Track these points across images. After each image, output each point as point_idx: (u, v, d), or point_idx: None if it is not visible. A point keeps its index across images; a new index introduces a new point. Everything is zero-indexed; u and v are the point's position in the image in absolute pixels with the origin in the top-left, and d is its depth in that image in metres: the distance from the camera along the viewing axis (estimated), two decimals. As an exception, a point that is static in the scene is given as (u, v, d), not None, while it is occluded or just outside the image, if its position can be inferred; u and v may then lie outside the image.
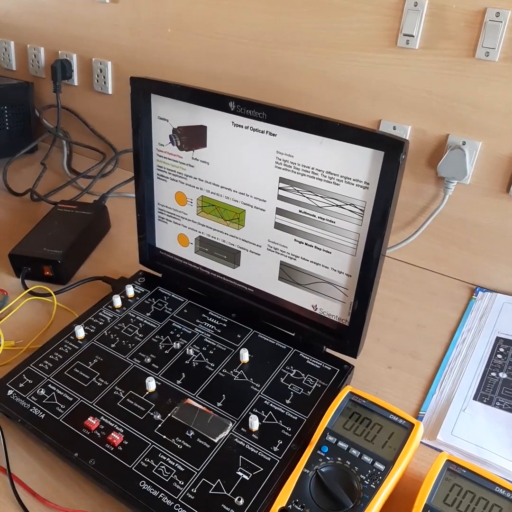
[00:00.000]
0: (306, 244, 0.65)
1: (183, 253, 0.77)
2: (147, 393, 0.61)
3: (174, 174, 0.72)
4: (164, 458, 0.54)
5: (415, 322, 0.78)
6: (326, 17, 0.84)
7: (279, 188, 0.64)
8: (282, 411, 0.60)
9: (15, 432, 0.59)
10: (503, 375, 0.68)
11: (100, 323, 0.71)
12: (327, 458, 0.53)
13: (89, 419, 0.58)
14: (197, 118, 0.66)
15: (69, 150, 1.22)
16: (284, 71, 0.91)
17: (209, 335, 0.69)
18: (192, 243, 0.75)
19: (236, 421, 0.58)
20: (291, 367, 0.65)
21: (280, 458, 0.55)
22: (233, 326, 0.71)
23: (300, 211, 0.63)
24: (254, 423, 0.57)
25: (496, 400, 0.65)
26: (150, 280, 0.79)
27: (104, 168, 1.15)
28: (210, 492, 0.52)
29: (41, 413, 0.58)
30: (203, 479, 0.53)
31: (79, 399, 0.60)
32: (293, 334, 0.70)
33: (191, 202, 0.72)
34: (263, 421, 0.58)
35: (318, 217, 0.62)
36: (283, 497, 0.50)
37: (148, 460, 0.54)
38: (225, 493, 0.52)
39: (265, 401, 0.61)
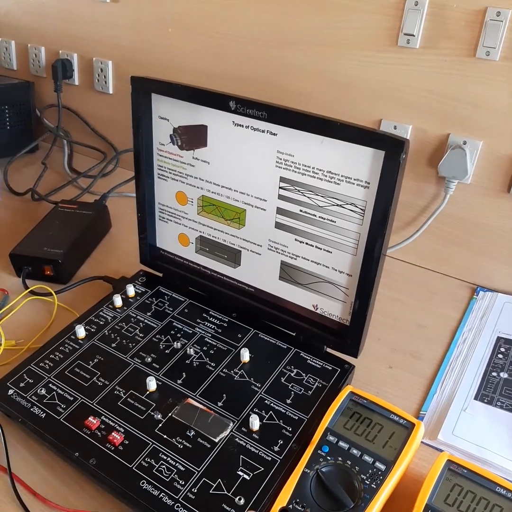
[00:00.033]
0: (306, 243, 0.64)
1: (184, 253, 0.77)
2: (147, 392, 0.61)
3: (175, 174, 0.72)
4: (165, 457, 0.54)
5: (416, 321, 0.78)
6: (326, 17, 0.84)
7: (280, 187, 0.64)
8: (283, 410, 0.60)
9: (16, 432, 0.59)
10: (504, 375, 0.68)
11: (101, 322, 0.71)
12: (328, 458, 0.53)
13: (89, 418, 0.58)
14: (197, 118, 0.66)
15: (70, 149, 1.22)
16: (285, 71, 0.91)
17: (210, 335, 0.69)
18: (192, 243, 0.75)
19: (236, 421, 0.58)
20: (292, 366, 0.65)
21: (281, 458, 0.55)
22: (233, 326, 0.71)
23: (300, 210, 0.63)
24: (255, 423, 0.57)
25: (497, 400, 0.65)
26: (151, 280, 0.79)
27: (105, 167, 1.15)
28: (210, 492, 0.52)
29: (41, 412, 0.58)
30: (204, 478, 0.53)
31: (79, 398, 0.60)
32: (294, 334, 0.70)
33: (192, 202, 0.72)
34: (264, 421, 0.58)
35: (319, 217, 0.62)
36: (283, 497, 0.50)
37: (148, 460, 0.54)
38: (226, 493, 0.52)
39: (266, 401, 0.61)
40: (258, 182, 0.65)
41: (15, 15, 1.22)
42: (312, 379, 0.64)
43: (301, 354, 0.67)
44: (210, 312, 0.73)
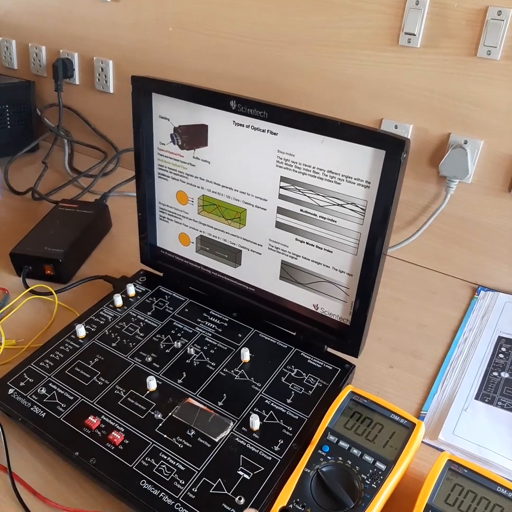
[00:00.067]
0: (307, 243, 0.64)
1: (184, 252, 0.77)
2: (148, 392, 0.61)
3: (175, 173, 0.72)
4: (165, 457, 0.54)
5: (417, 321, 0.78)
6: (327, 16, 0.84)
7: (280, 187, 0.63)
8: (283, 410, 0.60)
9: (16, 431, 0.59)
10: (505, 374, 0.68)
11: (101, 322, 0.71)
12: (328, 457, 0.53)
13: (89, 418, 0.57)
14: (198, 117, 0.66)
15: (70, 149, 1.22)
16: (285, 71, 0.91)
17: (210, 334, 0.69)
18: (193, 242, 0.75)
19: (237, 421, 0.58)
20: (292, 366, 0.65)
21: (281, 457, 0.55)
22: (234, 325, 0.71)
23: (301, 210, 0.63)
24: (255, 422, 0.57)
25: (498, 400, 0.65)
26: (151, 279, 0.79)
27: (105, 167, 1.15)
28: (210, 491, 0.52)
29: (41, 412, 0.58)
30: (204, 478, 0.53)
31: (80, 398, 0.60)
32: (294, 334, 0.70)
33: (192, 201, 0.72)
34: (264, 421, 0.58)
35: (319, 216, 0.62)
36: (284, 497, 0.50)
37: (148, 459, 0.54)
38: (226, 492, 0.52)
39: (266, 401, 0.61)
40: (258, 182, 0.65)
41: (15, 15, 1.22)
42: (312, 379, 0.64)
43: (302, 353, 0.67)
44: (211, 312, 0.73)
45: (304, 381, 0.63)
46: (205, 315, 0.73)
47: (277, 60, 0.91)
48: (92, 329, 0.69)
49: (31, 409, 0.59)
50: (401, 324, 0.78)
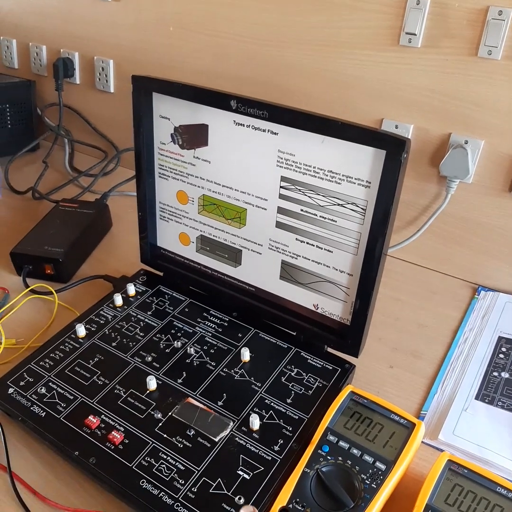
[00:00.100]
0: (307, 243, 0.64)
1: (185, 252, 0.77)
2: (148, 392, 0.61)
3: (176, 173, 0.72)
4: (165, 457, 0.54)
5: (417, 321, 0.78)
6: (327, 16, 0.84)
7: (281, 187, 0.63)
8: (283, 410, 0.60)
9: (16, 431, 0.59)
10: (505, 374, 0.68)
11: (101, 321, 0.71)
12: (328, 457, 0.53)
13: (89, 417, 0.57)
14: (198, 117, 0.66)
15: (71, 148, 1.22)
16: (285, 70, 0.91)
17: (210, 334, 0.69)
18: (193, 242, 0.75)
19: (236, 420, 0.58)
20: (292, 366, 0.65)
21: (281, 457, 0.55)
22: (234, 325, 0.71)
23: (301, 210, 0.63)
24: (255, 422, 0.57)
25: (498, 400, 0.65)
26: (151, 279, 0.79)
27: (106, 166, 1.15)
28: (210, 491, 0.52)
29: (41, 411, 0.58)
30: (204, 478, 0.53)
31: (79, 397, 0.60)
32: (294, 333, 0.70)
33: (193, 201, 0.72)
34: (264, 420, 0.58)
35: (320, 216, 0.62)
36: (283, 497, 0.50)
37: (148, 459, 0.54)
38: (226, 492, 0.52)
39: (266, 400, 0.61)
40: (259, 182, 0.65)
41: (16, 14, 1.22)
42: (312, 379, 0.64)
43: (302, 353, 0.67)
44: (211, 312, 0.73)
45: (304, 381, 0.63)
46: (205, 314, 0.73)
47: (277, 60, 0.91)
48: (92, 329, 0.69)
49: (31, 408, 0.59)
50: (401, 324, 0.78)
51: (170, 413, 0.59)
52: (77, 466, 0.55)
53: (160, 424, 0.58)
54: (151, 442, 0.56)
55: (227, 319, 0.72)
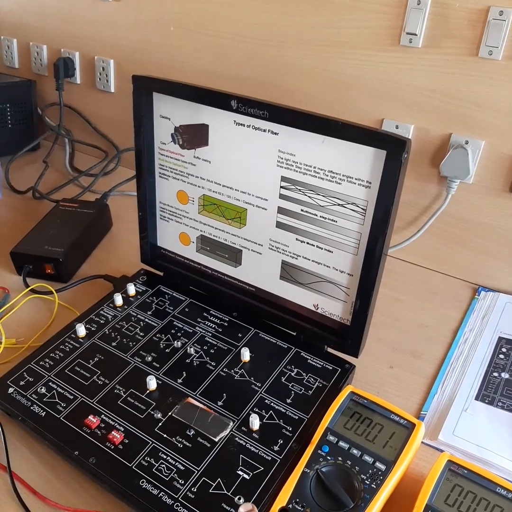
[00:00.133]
0: (307, 243, 0.64)
1: (185, 252, 0.77)
2: (147, 391, 0.61)
3: (176, 173, 0.72)
4: (165, 457, 0.54)
5: (417, 321, 0.78)
6: (327, 16, 0.84)
7: (281, 187, 0.63)
8: (283, 410, 0.60)
9: (16, 430, 0.59)
10: (505, 375, 0.68)
11: (101, 321, 0.71)
12: (328, 457, 0.53)
13: (89, 417, 0.57)
14: (199, 117, 0.66)
15: (71, 148, 1.22)
16: (286, 70, 0.91)
17: (210, 334, 0.69)
18: (193, 242, 0.75)
19: (236, 420, 0.58)
20: (292, 366, 0.65)
21: (281, 457, 0.55)
22: (234, 325, 0.71)
23: (301, 210, 0.63)
24: (255, 422, 0.57)
25: (498, 401, 0.65)
26: (152, 279, 0.79)
27: (106, 166, 1.15)
28: (210, 491, 0.52)
29: (41, 411, 0.58)
30: (204, 478, 0.53)
31: (79, 397, 0.60)
32: (294, 333, 0.69)
33: (193, 201, 0.72)
34: (264, 421, 0.58)
35: (320, 216, 0.62)
36: (283, 497, 0.50)
37: (148, 459, 0.54)
38: (225, 492, 0.52)
39: (266, 400, 0.61)
40: (259, 182, 0.65)
41: (17, 14, 1.22)
42: (312, 379, 0.64)
43: (302, 353, 0.67)
44: (211, 311, 0.73)
45: (304, 381, 0.63)
46: (205, 314, 0.72)
47: (277, 60, 0.91)
48: (92, 329, 0.69)
49: (31, 408, 0.59)
50: (402, 324, 0.77)
51: (170, 413, 0.59)
52: (77, 466, 0.55)
53: (160, 424, 0.58)
54: (151, 442, 0.56)
55: (227, 319, 0.72)
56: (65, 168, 1.17)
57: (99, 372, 0.63)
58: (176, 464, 0.54)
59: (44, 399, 0.60)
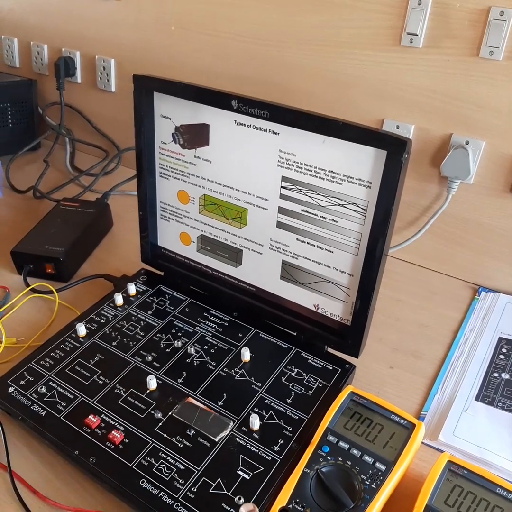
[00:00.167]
0: (308, 243, 0.64)
1: (185, 252, 0.77)
2: (148, 391, 0.61)
3: (177, 173, 0.72)
4: (165, 456, 0.54)
5: (417, 322, 0.78)
6: (327, 16, 0.84)
7: (282, 187, 0.63)
8: (283, 410, 0.60)
9: (16, 430, 0.59)
10: (505, 375, 0.68)
11: (102, 321, 0.71)
12: (328, 458, 0.53)
13: (89, 417, 0.57)
14: (199, 117, 0.66)
15: (72, 147, 1.22)
16: (286, 70, 0.91)
17: (211, 334, 0.69)
18: (194, 242, 0.75)
19: (237, 420, 0.58)
20: (293, 366, 0.65)
21: (281, 457, 0.55)
22: (234, 325, 0.71)
23: (302, 210, 0.63)
24: (255, 422, 0.57)
25: (498, 401, 0.65)
26: (152, 279, 0.79)
27: (107, 166, 1.16)
28: (210, 491, 0.52)
29: (42, 410, 0.59)
30: (204, 478, 0.53)
31: (80, 397, 0.60)
32: (295, 334, 0.69)
33: (193, 201, 0.72)
34: (264, 421, 0.58)
35: (321, 216, 0.62)
36: (283, 497, 0.50)
37: (148, 459, 0.54)
38: (226, 492, 0.52)
39: (266, 401, 0.61)
40: (259, 181, 0.65)
41: (17, 13, 1.22)
42: (312, 379, 0.64)
43: (302, 353, 0.67)
44: (211, 311, 0.73)
45: (304, 381, 0.63)
46: (206, 314, 0.73)
47: (277, 60, 0.91)
48: (93, 328, 0.69)
49: (31, 407, 0.59)
50: (402, 325, 0.77)
51: (170, 413, 0.59)
52: (77, 466, 0.55)
53: (160, 424, 0.58)
54: (151, 442, 0.56)
55: (228, 319, 0.72)
56: (66, 167, 1.17)
57: (100, 371, 0.63)
58: (176, 464, 0.54)
59: (44, 399, 0.60)
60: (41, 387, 0.61)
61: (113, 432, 0.56)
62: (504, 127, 0.76)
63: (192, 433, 0.57)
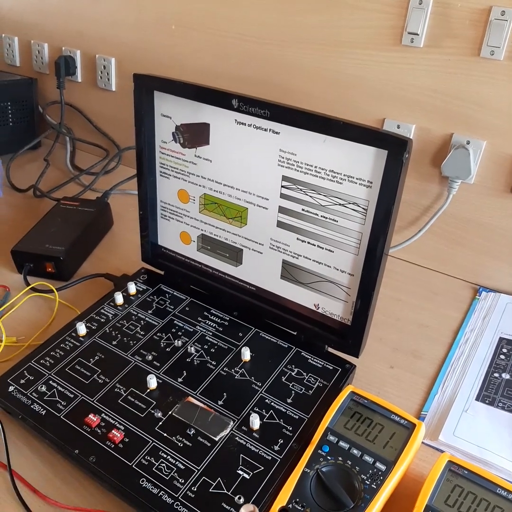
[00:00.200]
0: (308, 243, 0.64)
1: (186, 251, 0.77)
2: (148, 390, 0.61)
3: (177, 172, 0.71)
4: (165, 456, 0.54)
5: (418, 321, 0.78)
6: (329, 15, 0.84)
7: (282, 186, 0.63)
8: (283, 410, 0.60)
9: (16, 429, 0.59)
10: (506, 376, 0.68)
11: (102, 320, 0.71)
12: (328, 457, 0.53)
13: (90, 416, 0.57)
14: (200, 116, 0.66)
15: (72, 146, 1.22)
16: (286, 70, 0.91)
17: (211, 333, 0.69)
18: (194, 241, 0.75)
19: (237, 420, 0.58)
20: (293, 366, 0.65)
21: (281, 457, 0.55)
22: (234, 325, 0.71)
23: (302, 209, 0.63)
24: (255, 422, 0.57)
25: (498, 401, 0.65)
26: (152, 278, 0.79)
27: (107, 165, 1.15)
28: (210, 490, 0.52)
29: (42, 409, 0.58)
30: (204, 477, 0.53)
31: (80, 396, 0.60)
32: (295, 333, 0.69)
33: (194, 200, 0.72)
34: (264, 420, 0.58)
35: (321, 216, 0.62)
36: (283, 497, 0.50)
37: (148, 458, 0.54)
38: (226, 491, 0.52)
39: (266, 400, 0.61)
40: (260, 181, 0.65)
41: (18, 12, 1.22)
42: (313, 379, 0.64)
43: (302, 353, 0.67)
44: (211, 311, 0.73)
45: (304, 381, 0.63)
46: (206, 314, 0.72)
47: (278, 60, 0.91)
48: (93, 327, 0.69)
49: (31, 406, 0.59)
50: (402, 324, 0.77)
51: (170, 412, 0.59)
52: (77, 465, 0.55)
53: (160, 423, 0.58)
54: (151, 441, 0.56)
55: (228, 318, 0.72)
56: (66, 166, 1.17)
57: (100, 370, 0.63)
58: (176, 463, 0.54)
59: (45, 398, 0.60)
60: (41, 386, 0.61)
61: (113, 431, 0.56)
62: (505, 127, 0.76)
63: (192, 432, 0.57)
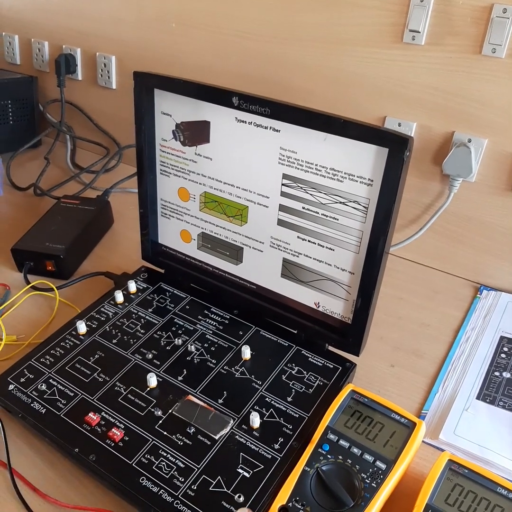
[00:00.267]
0: (309, 241, 0.64)
1: (186, 249, 0.76)
2: (148, 389, 0.61)
3: (177, 170, 0.71)
4: (165, 454, 0.54)
5: (419, 320, 0.78)
6: (329, 13, 0.83)
7: (282, 184, 0.63)
8: (284, 408, 0.60)
9: (16, 427, 0.59)
10: (506, 374, 0.68)
11: (102, 318, 0.71)
12: (328, 456, 0.53)
13: (90, 414, 0.57)
14: (200, 114, 0.66)
15: (73, 144, 1.22)
16: (287, 68, 0.91)
17: (211, 332, 0.69)
18: (194, 239, 0.75)
19: (237, 418, 0.58)
20: (293, 364, 0.65)
21: (281, 455, 0.55)
22: (235, 323, 0.71)
23: (303, 208, 0.63)
24: (255, 420, 0.57)
25: (499, 400, 0.65)
26: (153, 276, 0.79)
27: (108, 163, 1.15)
28: (210, 489, 0.52)
29: (42, 408, 0.58)
30: (204, 476, 0.53)
31: (80, 394, 0.60)
32: (295, 332, 0.69)
33: (194, 198, 0.72)
34: (264, 419, 0.58)
35: (322, 214, 0.62)
36: (283, 495, 0.50)
37: (148, 456, 0.54)
38: (226, 490, 0.52)
39: (267, 399, 0.61)
40: (260, 179, 0.65)
41: (18, 10, 1.22)
42: (313, 377, 0.63)
43: (303, 352, 0.67)
44: (212, 309, 0.73)
45: (304, 379, 0.63)
46: (206, 312, 0.72)
47: (279, 57, 0.91)
48: (93, 326, 0.69)
49: (31, 405, 0.59)
50: (403, 323, 0.77)
51: (170, 411, 0.59)
52: (77, 463, 0.55)
53: (160, 422, 0.57)
54: (151, 440, 0.56)
55: (228, 317, 0.72)
56: (66, 164, 1.17)
57: (100, 369, 0.63)
58: (176, 461, 0.54)
59: (45, 396, 0.60)
60: (41, 385, 0.61)
61: (113, 429, 0.56)
62: (506, 125, 0.76)
63: (192, 431, 0.57)
